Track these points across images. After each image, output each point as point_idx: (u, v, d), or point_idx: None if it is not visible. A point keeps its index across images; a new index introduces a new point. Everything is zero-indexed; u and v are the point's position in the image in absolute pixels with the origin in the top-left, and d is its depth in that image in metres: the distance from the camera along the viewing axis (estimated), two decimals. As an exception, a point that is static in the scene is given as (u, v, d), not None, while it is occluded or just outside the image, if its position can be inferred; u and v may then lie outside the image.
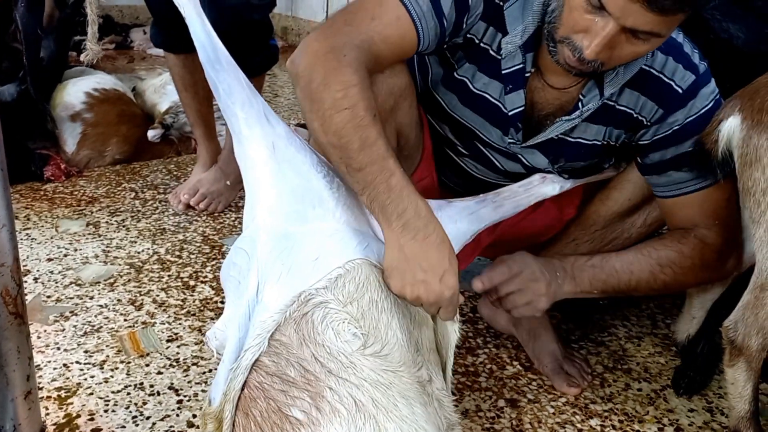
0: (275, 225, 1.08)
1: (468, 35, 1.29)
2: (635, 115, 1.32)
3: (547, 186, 1.42)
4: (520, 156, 1.41)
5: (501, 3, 1.25)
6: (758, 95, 1.23)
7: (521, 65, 1.29)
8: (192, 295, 1.83)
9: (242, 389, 0.94)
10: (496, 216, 1.34)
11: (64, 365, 1.52)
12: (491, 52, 1.30)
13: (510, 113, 1.33)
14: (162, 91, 2.92)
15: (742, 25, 1.51)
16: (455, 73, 1.35)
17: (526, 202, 1.41)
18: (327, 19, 1.19)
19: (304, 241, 1.07)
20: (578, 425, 1.45)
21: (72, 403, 1.41)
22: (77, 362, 1.53)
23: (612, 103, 1.31)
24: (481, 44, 1.30)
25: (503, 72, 1.30)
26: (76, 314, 1.72)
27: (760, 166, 1.22)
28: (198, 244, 2.11)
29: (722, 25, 1.51)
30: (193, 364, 1.55)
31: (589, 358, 1.68)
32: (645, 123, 1.32)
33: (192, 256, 2.04)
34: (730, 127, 1.26)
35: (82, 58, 2.49)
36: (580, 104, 1.30)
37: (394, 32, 1.19)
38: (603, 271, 1.34)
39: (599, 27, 1.09)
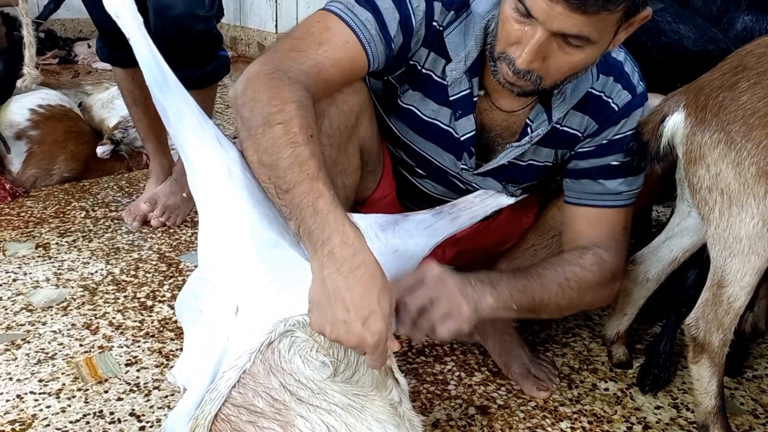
0: (248, 250, 1.04)
1: (411, 62, 1.27)
2: (580, 136, 1.33)
3: (502, 196, 1.42)
4: (473, 184, 1.40)
5: (441, 29, 1.24)
6: (702, 92, 1.23)
7: (468, 90, 1.27)
8: (150, 316, 1.78)
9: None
10: (452, 228, 1.32)
11: (18, 396, 1.46)
12: (435, 77, 1.28)
13: (462, 138, 1.31)
14: (110, 105, 2.85)
15: (691, 25, 1.53)
16: (399, 101, 1.33)
17: (483, 213, 1.41)
18: (270, 47, 1.15)
19: (292, 264, 1.02)
20: (549, 429, 1.45)
21: (28, 437, 1.35)
22: (31, 392, 1.47)
23: (558, 126, 1.31)
24: (424, 70, 1.28)
25: (451, 98, 1.29)
26: (28, 341, 1.65)
27: (705, 163, 1.23)
28: (154, 263, 2.06)
29: (672, 26, 1.53)
30: (155, 387, 1.51)
31: (556, 360, 1.68)
32: (581, 138, 1.33)
33: (148, 275, 1.98)
34: (675, 123, 1.26)
35: (19, 83, 2.41)
36: (529, 129, 1.30)
37: (344, 55, 1.17)
38: (519, 283, 1.24)
39: (528, 35, 1.07)
